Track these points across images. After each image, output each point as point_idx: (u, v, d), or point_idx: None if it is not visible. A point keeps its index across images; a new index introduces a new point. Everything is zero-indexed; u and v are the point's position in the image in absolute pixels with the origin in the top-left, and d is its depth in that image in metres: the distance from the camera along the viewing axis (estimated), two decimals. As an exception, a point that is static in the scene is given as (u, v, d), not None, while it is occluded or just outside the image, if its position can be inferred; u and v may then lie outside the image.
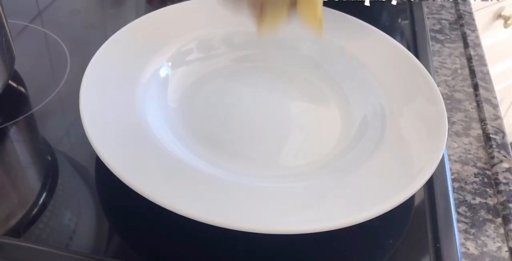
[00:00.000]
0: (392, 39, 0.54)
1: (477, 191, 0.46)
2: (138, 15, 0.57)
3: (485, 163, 0.48)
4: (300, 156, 0.45)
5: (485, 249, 0.41)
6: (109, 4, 0.65)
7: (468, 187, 0.46)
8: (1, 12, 0.47)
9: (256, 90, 0.52)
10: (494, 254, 0.41)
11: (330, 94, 0.52)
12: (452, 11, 0.70)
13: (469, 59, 0.61)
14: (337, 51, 0.54)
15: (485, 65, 0.61)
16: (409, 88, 0.49)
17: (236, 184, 0.40)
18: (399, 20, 0.67)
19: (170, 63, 0.52)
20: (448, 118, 0.49)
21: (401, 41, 0.56)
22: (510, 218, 0.43)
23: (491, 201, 0.45)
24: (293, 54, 0.55)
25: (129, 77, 0.48)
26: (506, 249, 0.41)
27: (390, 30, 0.57)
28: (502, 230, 0.43)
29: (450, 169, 0.47)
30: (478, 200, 0.45)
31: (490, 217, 0.44)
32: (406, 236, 0.41)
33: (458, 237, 0.41)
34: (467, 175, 0.47)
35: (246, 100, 0.51)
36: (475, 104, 0.55)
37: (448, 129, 0.46)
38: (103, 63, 0.48)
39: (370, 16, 0.59)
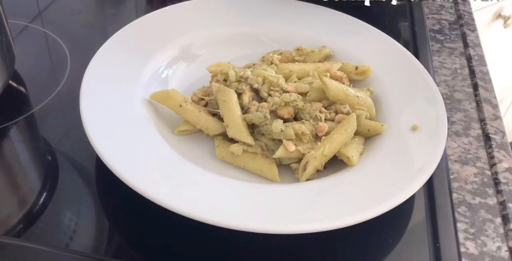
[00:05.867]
0: (392, 39, 0.54)
1: (477, 191, 0.46)
2: (138, 15, 0.57)
3: (485, 163, 0.48)
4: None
5: (484, 249, 0.41)
6: (109, 4, 0.65)
7: (468, 187, 0.46)
8: (1, 12, 0.47)
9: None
10: (494, 254, 0.41)
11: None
12: (452, 11, 0.70)
13: (469, 59, 0.61)
14: (337, 51, 0.54)
15: (484, 65, 0.61)
16: (409, 88, 0.49)
17: (236, 184, 0.40)
18: (399, 20, 0.67)
19: (170, 63, 0.52)
20: (448, 118, 0.49)
21: (401, 41, 0.56)
22: (510, 218, 0.43)
23: (490, 201, 0.45)
24: (293, 54, 0.55)
25: (129, 77, 0.48)
26: (506, 248, 0.41)
27: (390, 30, 0.57)
28: (501, 230, 0.43)
29: (450, 169, 0.47)
30: (477, 200, 0.45)
31: (489, 217, 0.44)
32: (406, 236, 0.41)
33: (458, 237, 0.41)
34: (466, 175, 0.47)
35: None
36: (474, 104, 0.55)
37: (448, 129, 0.46)
38: (103, 63, 0.48)
39: (370, 16, 0.59)
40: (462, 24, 0.67)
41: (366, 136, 0.45)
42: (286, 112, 0.44)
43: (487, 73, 0.59)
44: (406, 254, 0.40)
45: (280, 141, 0.43)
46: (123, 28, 0.52)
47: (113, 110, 0.44)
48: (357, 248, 0.40)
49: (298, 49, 0.53)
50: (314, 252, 0.39)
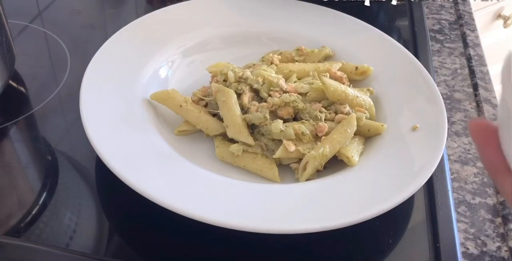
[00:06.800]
0: (392, 39, 0.54)
1: (477, 191, 0.46)
2: (138, 15, 0.57)
3: (485, 163, 0.48)
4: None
5: (484, 249, 0.41)
6: (109, 4, 0.65)
7: (468, 186, 0.46)
8: (1, 12, 0.47)
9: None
10: (494, 253, 0.41)
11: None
12: (452, 11, 0.70)
13: (469, 59, 0.61)
14: (337, 51, 0.54)
15: (484, 65, 0.61)
16: (409, 88, 0.49)
17: (236, 184, 0.40)
18: (399, 20, 0.67)
19: (170, 63, 0.52)
20: (448, 118, 0.49)
21: (400, 41, 0.56)
22: (510, 217, 0.43)
23: (490, 201, 0.45)
24: (293, 54, 0.55)
25: (129, 77, 0.48)
26: (506, 248, 0.41)
27: (390, 30, 0.57)
28: (501, 230, 0.43)
29: (450, 169, 0.47)
30: (477, 199, 0.45)
31: (489, 216, 0.44)
32: (406, 236, 0.41)
33: (458, 237, 0.41)
34: (466, 175, 0.47)
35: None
36: (474, 104, 0.55)
37: (448, 129, 0.46)
38: (103, 63, 0.48)
39: (370, 16, 0.59)
40: (462, 24, 0.67)
41: (366, 136, 0.45)
42: (286, 113, 0.44)
43: (487, 73, 0.59)
44: (406, 254, 0.40)
45: (280, 141, 0.43)
46: (123, 28, 0.52)
47: (113, 110, 0.44)
48: (357, 248, 0.40)
49: (298, 49, 0.53)
50: (314, 252, 0.39)
